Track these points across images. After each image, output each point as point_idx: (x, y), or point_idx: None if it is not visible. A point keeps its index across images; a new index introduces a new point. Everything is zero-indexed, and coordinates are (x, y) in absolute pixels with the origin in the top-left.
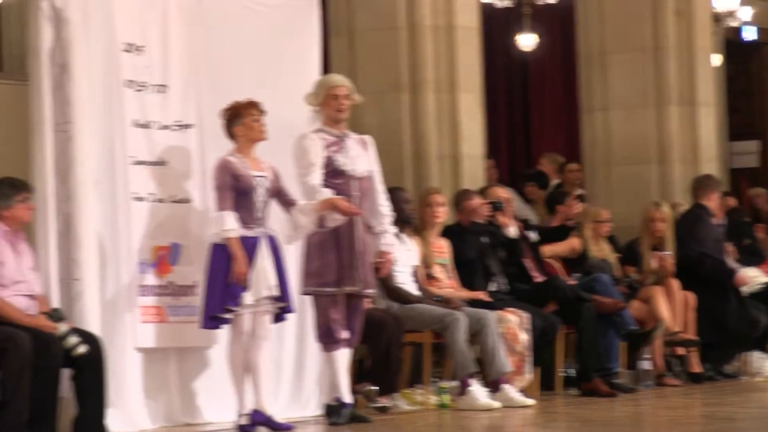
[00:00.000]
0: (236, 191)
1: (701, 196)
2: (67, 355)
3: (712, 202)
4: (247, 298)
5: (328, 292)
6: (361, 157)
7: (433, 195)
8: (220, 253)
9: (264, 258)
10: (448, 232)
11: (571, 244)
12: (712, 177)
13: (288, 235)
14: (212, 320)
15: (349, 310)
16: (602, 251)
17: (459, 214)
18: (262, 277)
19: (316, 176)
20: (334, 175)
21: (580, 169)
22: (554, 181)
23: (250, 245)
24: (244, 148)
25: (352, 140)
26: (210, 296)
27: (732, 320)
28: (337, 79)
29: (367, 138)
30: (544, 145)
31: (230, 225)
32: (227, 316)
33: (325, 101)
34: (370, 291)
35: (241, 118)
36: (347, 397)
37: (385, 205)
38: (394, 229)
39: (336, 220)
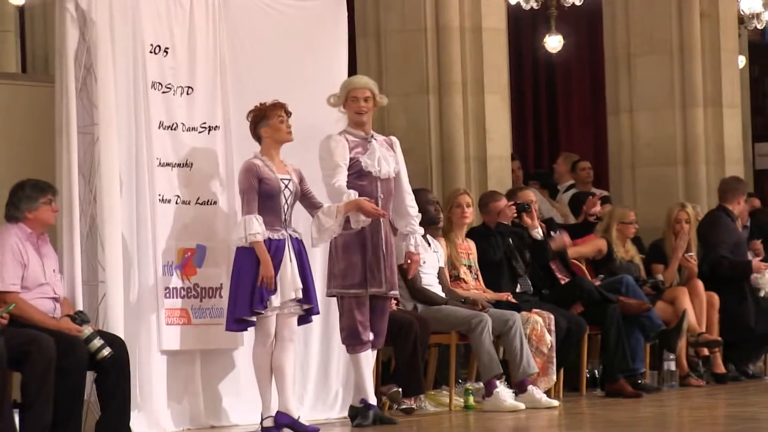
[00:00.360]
0: (262, 194)
1: (727, 199)
2: (91, 358)
3: (738, 205)
4: (274, 301)
5: (353, 294)
6: (387, 159)
7: (461, 196)
8: (247, 256)
9: (290, 260)
10: (474, 234)
11: (597, 245)
12: (740, 180)
13: (314, 237)
14: (238, 323)
15: (374, 312)
16: (628, 252)
17: (485, 215)
18: (289, 279)
19: (342, 178)
20: (358, 176)
21: (591, 167)
22: (568, 182)
23: (276, 248)
24: (270, 150)
25: (378, 142)
26: (237, 299)
27: (752, 319)
28: (359, 81)
29: (394, 139)
30: (570, 147)
31: (256, 229)
32: (253, 318)
33: (346, 103)
34: (395, 292)
35: (267, 120)
36: (372, 399)
37: (413, 206)
38: (421, 231)
39: (361, 221)
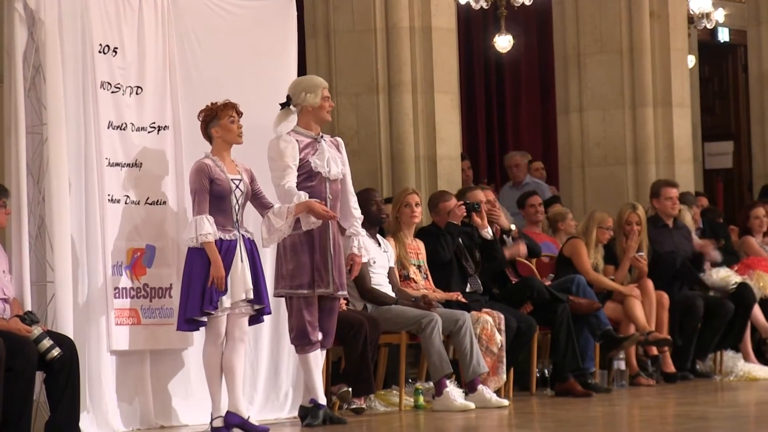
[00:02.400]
0: (213, 195)
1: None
2: (40, 359)
3: (660, 205)
4: (226, 301)
5: (301, 294)
6: (335, 160)
7: (409, 195)
8: (198, 257)
9: (241, 261)
10: (424, 234)
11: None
12: (660, 182)
13: (264, 238)
14: (189, 323)
15: (323, 312)
16: (596, 257)
17: (435, 215)
18: (240, 279)
19: (292, 179)
20: (308, 177)
21: (545, 168)
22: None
23: (227, 248)
24: (221, 150)
25: (326, 142)
26: (188, 299)
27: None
28: (323, 80)
29: (339, 140)
30: (520, 146)
31: (207, 229)
32: (204, 319)
33: (321, 102)
34: (343, 293)
35: (218, 119)
36: (322, 399)
37: (356, 208)
38: (364, 232)
39: (311, 223)
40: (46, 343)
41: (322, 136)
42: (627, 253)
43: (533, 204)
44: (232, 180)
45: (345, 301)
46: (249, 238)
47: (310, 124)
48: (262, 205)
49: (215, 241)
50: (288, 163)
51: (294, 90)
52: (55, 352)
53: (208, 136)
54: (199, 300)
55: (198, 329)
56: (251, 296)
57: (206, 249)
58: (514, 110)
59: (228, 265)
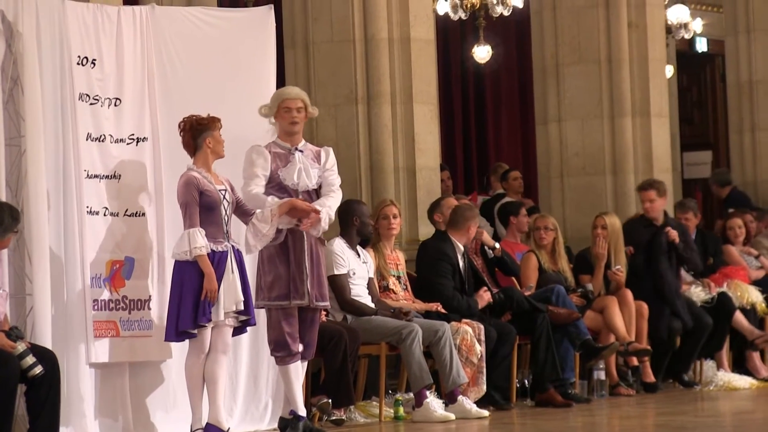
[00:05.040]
0: (203, 207)
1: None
2: (22, 373)
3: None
4: (217, 312)
5: (278, 306)
6: (308, 171)
7: (387, 207)
8: (189, 269)
9: (232, 272)
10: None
11: (533, 265)
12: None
13: (251, 244)
14: (179, 335)
15: (303, 323)
16: (556, 263)
17: (454, 231)
18: (231, 291)
19: (257, 186)
20: (278, 188)
21: (522, 177)
22: (498, 191)
23: (219, 260)
24: (206, 162)
25: (304, 154)
26: (180, 311)
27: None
28: (291, 91)
29: (326, 150)
30: (499, 157)
31: (200, 242)
32: (195, 331)
33: (279, 114)
34: (323, 304)
35: (211, 131)
36: (302, 410)
37: (332, 197)
38: (330, 209)
39: (288, 222)
40: (29, 360)
41: (296, 148)
42: (598, 261)
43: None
44: (219, 191)
45: (324, 312)
46: (238, 249)
47: (283, 135)
48: (244, 213)
49: (207, 253)
50: (256, 172)
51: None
52: (38, 369)
53: (195, 147)
54: (191, 312)
55: (185, 340)
56: (242, 307)
57: (199, 262)
58: (494, 120)
59: (220, 276)
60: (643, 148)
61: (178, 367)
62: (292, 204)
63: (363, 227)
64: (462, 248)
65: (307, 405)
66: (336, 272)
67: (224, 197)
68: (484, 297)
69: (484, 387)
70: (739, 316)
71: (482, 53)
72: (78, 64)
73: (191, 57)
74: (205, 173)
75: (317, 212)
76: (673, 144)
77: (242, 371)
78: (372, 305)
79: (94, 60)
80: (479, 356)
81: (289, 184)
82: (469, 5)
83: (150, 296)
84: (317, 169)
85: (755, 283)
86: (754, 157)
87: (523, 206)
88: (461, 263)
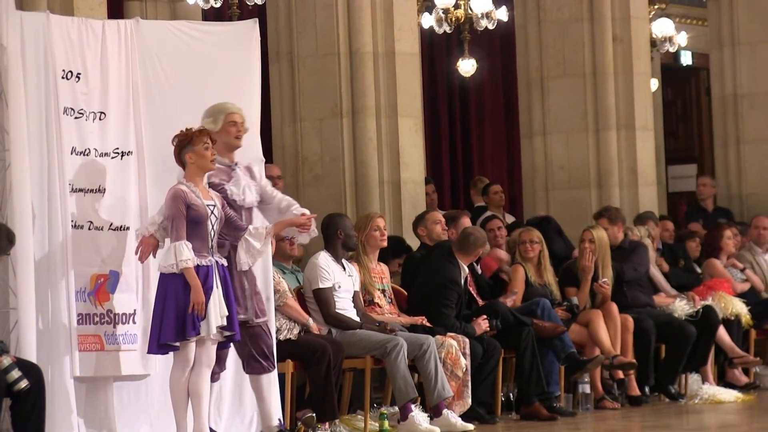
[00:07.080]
0: (190, 220)
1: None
2: (7, 387)
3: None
4: (207, 327)
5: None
6: (250, 187)
7: (377, 219)
8: (174, 282)
9: (216, 287)
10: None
11: (521, 277)
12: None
13: (242, 261)
14: (162, 347)
15: (251, 339)
16: (542, 276)
17: (462, 255)
18: (217, 306)
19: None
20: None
21: (503, 191)
22: (478, 204)
23: (204, 274)
24: (194, 177)
25: (241, 169)
26: (162, 324)
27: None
28: (233, 105)
29: (254, 165)
30: (484, 170)
31: (187, 255)
32: (177, 344)
33: (224, 128)
34: (260, 320)
35: (192, 145)
36: (278, 415)
37: (288, 203)
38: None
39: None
40: (15, 374)
41: (236, 164)
42: (585, 274)
43: (492, 228)
44: (207, 205)
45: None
46: (222, 264)
47: (224, 150)
48: (236, 228)
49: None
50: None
51: (202, 116)
52: (23, 384)
53: (181, 161)
54: (173, 325)
55: (168, 353)
56: (225, 322)
57: (186, 275)
58: (478, 134)
59: (207, 290)
60: (628, 161)
61: (163, 381)
62: (290, 223)
63: (348, 240)
64: (466, 271)
65: (293, 419)
66: (321, 286)
67: (212, 212)
68: (482, 326)
69: (469, 400)
70: (722, 332)
71: (467, 67)
72: (63, 78)
73: (176, 71)
74: (194, 187)
75: (310, 217)
76: (658, 157)
77: (227, 385)
78: (357, 319)
79: (79, 74)
80: (464, 370)
81: (237, 199)
82: (453, 19)
83: (135, 310)
84: (255, 185)
85: (740, 296)
86: (738, 171)
87: (495, 218)
88: (463, 286)
